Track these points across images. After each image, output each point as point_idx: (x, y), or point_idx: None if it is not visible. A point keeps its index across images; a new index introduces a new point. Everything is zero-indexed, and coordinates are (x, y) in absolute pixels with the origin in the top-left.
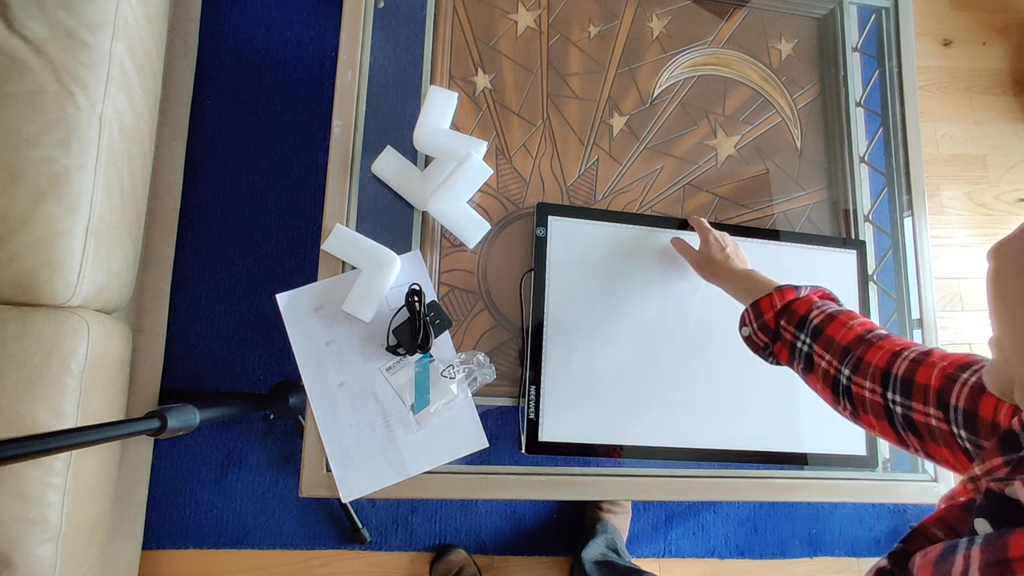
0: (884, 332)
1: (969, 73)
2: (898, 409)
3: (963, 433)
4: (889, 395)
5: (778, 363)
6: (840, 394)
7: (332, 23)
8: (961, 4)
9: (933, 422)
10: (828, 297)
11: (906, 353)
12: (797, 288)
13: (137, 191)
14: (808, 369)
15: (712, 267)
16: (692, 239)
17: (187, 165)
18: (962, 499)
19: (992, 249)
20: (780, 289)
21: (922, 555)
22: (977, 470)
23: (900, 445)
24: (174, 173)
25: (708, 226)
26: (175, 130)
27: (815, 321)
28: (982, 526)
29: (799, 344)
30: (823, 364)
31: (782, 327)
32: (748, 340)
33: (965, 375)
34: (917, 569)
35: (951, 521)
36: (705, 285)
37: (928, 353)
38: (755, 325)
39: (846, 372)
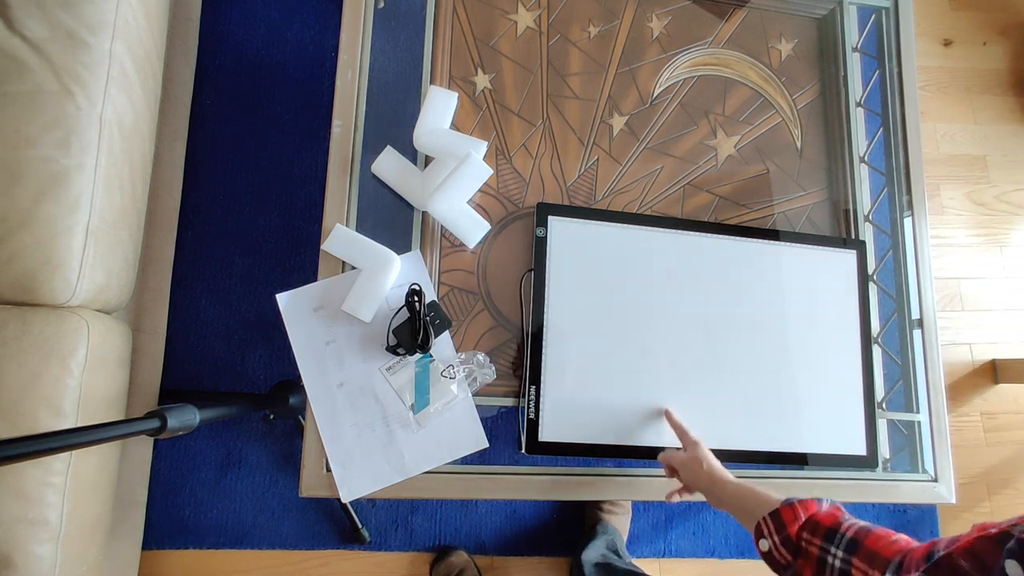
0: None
1: (969, 73)
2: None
3: None
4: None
5: None
6: None
7: (332, 23)
8: (961, 4)
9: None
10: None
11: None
12: (819, 501)
13: (137, 191)
14: None
15: (710, 476)
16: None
17: (187, 165)
18: (994, 531)
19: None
20: (801, 500)
21: None
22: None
23: None
24: (174, 173)
25: (696, 437)
26: (175, 130)
27: (849, 534)
28: (1013, 568)
29: (830, 559)
30: None
31: (805, 540)
32: (767, 556)
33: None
34: None
35: (980, 553)
36: (705, 285)
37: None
38: (776, 539)
39: None
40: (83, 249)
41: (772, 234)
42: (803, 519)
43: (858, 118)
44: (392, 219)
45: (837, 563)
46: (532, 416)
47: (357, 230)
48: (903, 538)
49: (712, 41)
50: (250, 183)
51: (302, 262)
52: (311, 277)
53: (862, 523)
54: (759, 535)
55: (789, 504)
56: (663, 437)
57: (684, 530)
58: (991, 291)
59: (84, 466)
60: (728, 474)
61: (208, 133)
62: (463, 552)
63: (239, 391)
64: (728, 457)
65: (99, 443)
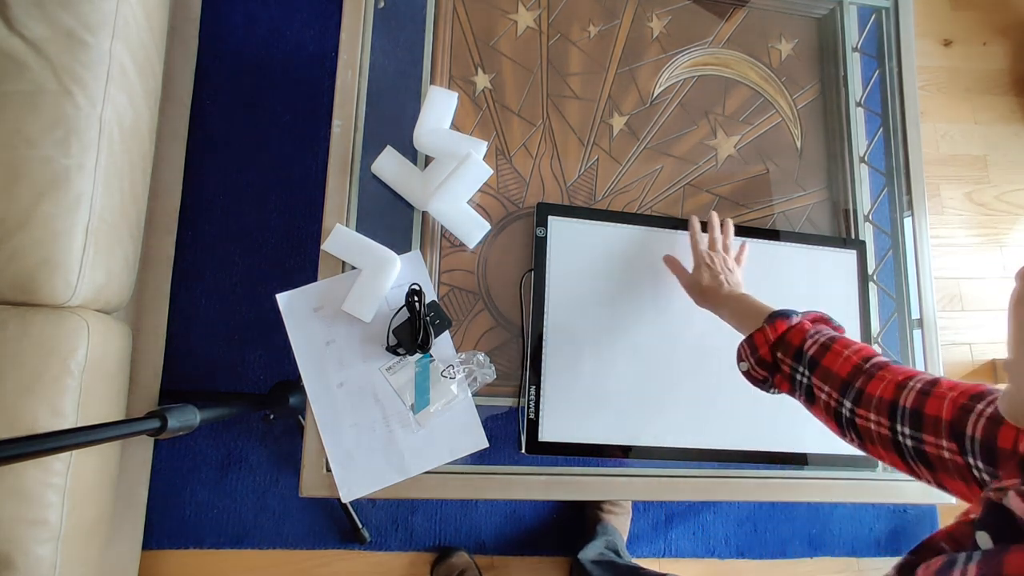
0: (883, 360)
1: (969, 73)
2: (908, 442)
3: (980, 464)
4: (898, 427)
5: (779, 393)
6: (844, 426)
7: (332, 23)
8: (961, 4)
9: (946, 454)
10: (822, 320)
11: (911, 383)
12: (788, 316)
13: (137, 191)
14: (810, 401)
15: (703, 294)
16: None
17: (187, 165)
18: (972, 516)
19: (1021, 270)
20: (772, 321)
21: (924, 568)
22: (991, 490)
23: (912, 475)
24: (174, 173)
25: (701, 249)
26: (175, 130)
27: (810, 352)
28: (983, 539)
29: (798, 376)
30: (823, 396)
31: (779, 359)
32: (747, 375)
33: (980, 405)
34: None
35: (959, 536)
36: None
37: (935, 383)
38: (752, 360)
39: (848, 404)
40: (83, 249)
41: (772, 234)
42: (773, 339)
43: (858, 118)
44: (392, 219)
45: (804, 380)
46: (532, 416)
47: (357, 230)
48: (858, 351)
49: (712, 41)
50: (250, 183)
51: (302, 262)
52: (311, 277)
53: (826, 336)
54: (738, 358)
55: (760, 329)
56: (663, 437)
57: (684, 530)
58: (991, 291)
59: (84, 466)
60: (726, 290)
61: (208, 133)
62: (464, 553)
63: (239, 391)
64: (728, 457)
65: (99, 443)
